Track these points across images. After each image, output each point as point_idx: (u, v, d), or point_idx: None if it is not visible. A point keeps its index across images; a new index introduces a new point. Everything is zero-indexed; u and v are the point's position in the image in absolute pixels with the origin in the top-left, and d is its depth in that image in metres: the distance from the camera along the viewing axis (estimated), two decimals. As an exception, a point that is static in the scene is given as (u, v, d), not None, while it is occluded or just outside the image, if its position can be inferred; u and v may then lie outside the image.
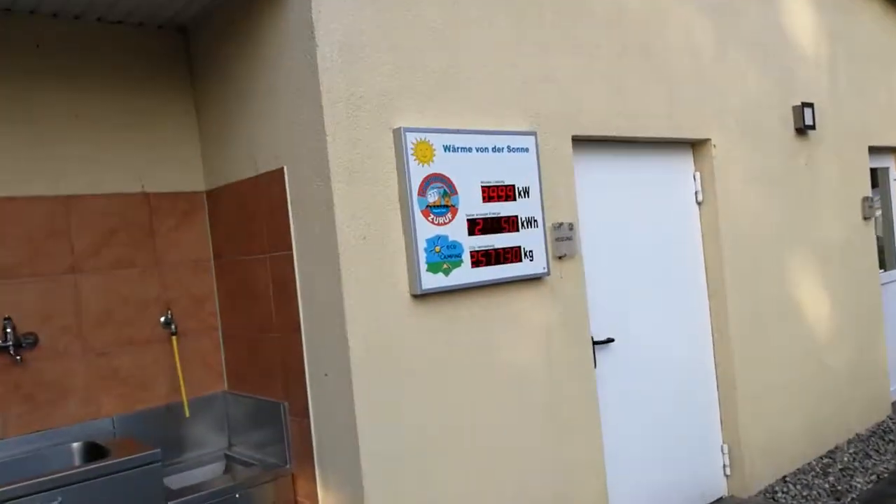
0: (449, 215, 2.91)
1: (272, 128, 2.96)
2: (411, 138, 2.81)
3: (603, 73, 3.63)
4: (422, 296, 2.84)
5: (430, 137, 2.88)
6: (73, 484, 2.49)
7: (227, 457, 3.39)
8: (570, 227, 3.40)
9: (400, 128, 2.79)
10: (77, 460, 2.97)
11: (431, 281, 2.83)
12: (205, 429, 3.42)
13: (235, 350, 3.39)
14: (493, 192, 3.08)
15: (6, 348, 2.89)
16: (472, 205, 2.99)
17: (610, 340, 3.69)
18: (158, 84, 3.41)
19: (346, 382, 2.67)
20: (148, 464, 2.64)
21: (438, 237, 2.87)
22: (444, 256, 2.88)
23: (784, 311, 4.58)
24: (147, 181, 3.35)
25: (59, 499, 2.46)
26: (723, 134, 4.24)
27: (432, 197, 2.86)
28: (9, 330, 2.89)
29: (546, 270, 3.25)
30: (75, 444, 2.98)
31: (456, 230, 2.93)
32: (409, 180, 2.79)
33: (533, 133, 3.25)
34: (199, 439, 3.40)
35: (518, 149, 3.18)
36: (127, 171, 3.30)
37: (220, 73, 3.28)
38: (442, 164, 2.91)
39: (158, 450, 2.70)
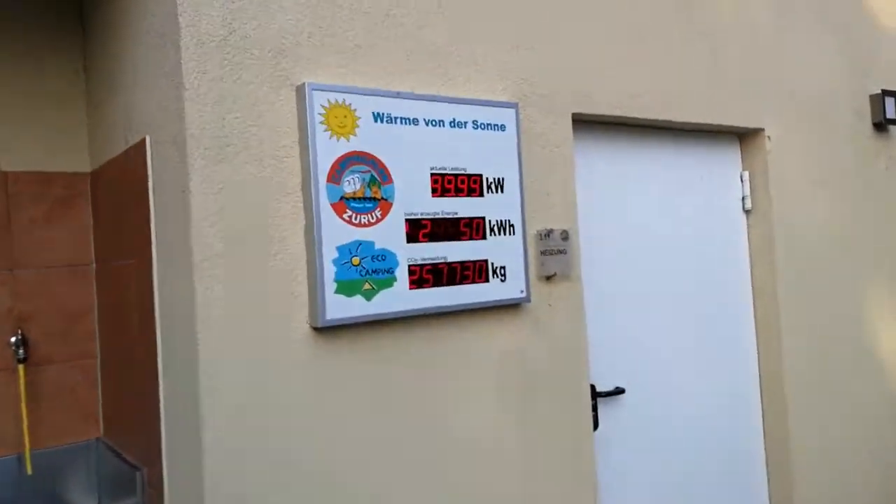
0: (377, 212, 2.03)
1: (142, 85, 2.13)
2: (321, 99, 1.94)
3: (622, 32, 2.71)
4: (327, 329, 1.96)
5: (353, 100, 2.00)
6: None
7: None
8: (565, 236, 2.48)
9: (304, 84, 1.92)
10: None
11: (343, 308, 1.95)
12: (62, 489, 2.58)
13: (112, 385, 2.56)
14: (450, 184, 2.18)
15: None
16: (415, 199, 2.10)
17: (619, 391, 2.75)
18: (45, 26, 2.62)
19: (196, 465, 1.80)
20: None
21: (359, 244, 1.99)
22: (367, 272, 2.00)
23: (857, 353, 3.54)
24: (7, 156, 2.55)
25: None
26: (780, 124, 3.25)
27: (351, 185, 1.98)
28: None
29: (525, 295, 2.34)
30: None
31: (388, 234, 2.04)
32: (315, 159, 1.92)
33: (513, 105, 2.34)
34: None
35: (490, 125, 2.28)
36: (-25, 143, 2.51)
37: (107, 16, 2.47)
38: (370, 138, 2.03)
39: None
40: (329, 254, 1.93)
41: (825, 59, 3.51)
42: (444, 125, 2.17)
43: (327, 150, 1.94)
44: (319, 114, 1.94)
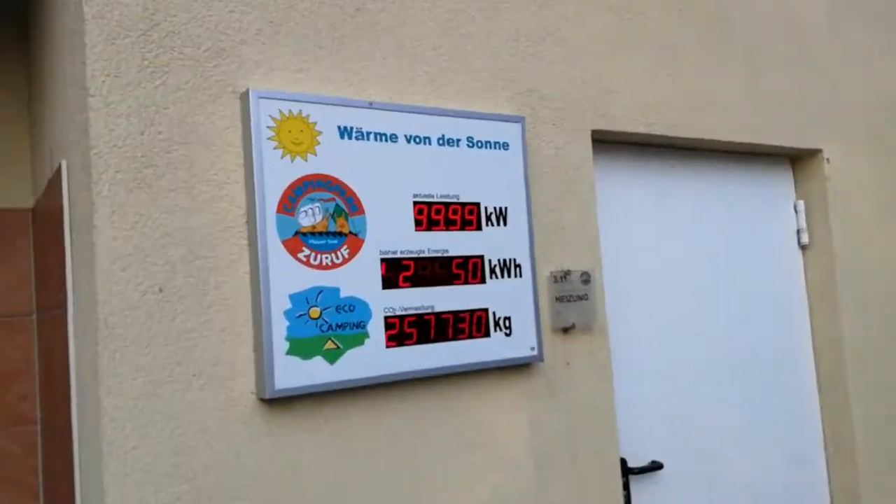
0: (344, 251, 1.61)
1: (59, 96, 1.76)
2: (270, 109, 1.55)
3: (648, 38, 2.29)
4: (278, 402, 1.53)
5: (313, 111, 1.60)
6: None
7: None
8: (587, 278, 2.04)
9: (249, 91, 1.53)
10: None
11: (298, 373, 1.52)
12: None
13: (51, 458, 2.15)
14: (438, 214, 1.76)
15: None
16: (393, 234, 1.68)
17: (656, 466, 2.25)
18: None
19: (99, 571, 1.37)
20: None
21: (319, 291, 1.57)
22: (330, 327, 1.57)
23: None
24: (-69, 192, 2.21)
25: None
26: (840, 144, 2.78)
27: (309, 217, 1.57)
28: None
29: (536, 353, 1.89)
30: None
31: (358, 279, 1.62)
32: (261, 184, 1.52)
33: (519, 120, 1.93)
34: None
35: (489, 143, 1.87)
36: None
37: (41, 16, 2.13)
38: (334, 159, 1.62)
39: None
40: (279, 304, 1.51)
41: (890, 65, 3.04)
42: (430, 143, 1.76)
43: (278, 173, 1.54)
44: (268, 127, 1.54)
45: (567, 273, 2.00)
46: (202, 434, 1.44)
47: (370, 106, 1.68)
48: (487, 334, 1.80)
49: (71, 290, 1.62)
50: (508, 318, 1.84)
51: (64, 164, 1.64)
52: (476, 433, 1.80)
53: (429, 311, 1.71)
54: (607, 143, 2.25)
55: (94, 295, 1.38)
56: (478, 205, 1.82)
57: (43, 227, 2.08)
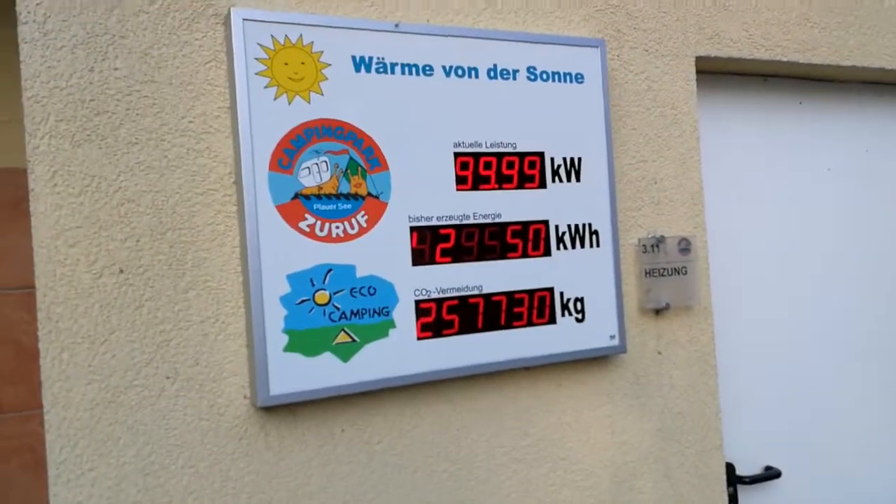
0: (361, 218, 1.25)
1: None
2: (260, 36, 1.19)
3: (773, -68, 1.76)
4: (278, 409, 1.21)
5: (318, 37, 1.23)
6: None
7: None
8: (686, 246, 1.59)
9: (231, 12, 1.17)
10: None
11: (300, 374, 1.19)
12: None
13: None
14: (488, 169, 1.36)
15: None
16: (427, 195, 1.30)
17: (772, 475, 1.81)
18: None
19: None
20: None
21: (328, 269, 1.22)
22: (343, 315, 1.23)
23: None
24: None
25: None
26: None
27: (314, 175, 1.22)
28: None
29: (618, 342, 1.48)
30: None
31: (380, 253, 1.26)
32: (249, 134, 1.17)
33: (598, 44, 1.48)
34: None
35: (557, 75, 1.44)
36: None
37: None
38: (346, 98, 1.25)
39: None
40: (274, 288, 1.18)
41: None
42: (477, 75, 1.36)
43: (272, 119, 1.19)
44: (258, 59, 1.18)
45: (660, 240, 1.57)
46: (179, 451, 1.15)
47: (396, 29, 1.29)
48: (553, 320, 1.40)
49: (37, 270, 1.35)
50: (581, 300, 1.44)
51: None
52: (538, 443, 1.43)
53: (475, 292, 1.33)
54: (715, 74, 1.76)
55: (35, 279, 1.09)
56: (541, 155, 1.41)
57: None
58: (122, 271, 1.13)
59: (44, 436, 2.04)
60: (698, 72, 1.68)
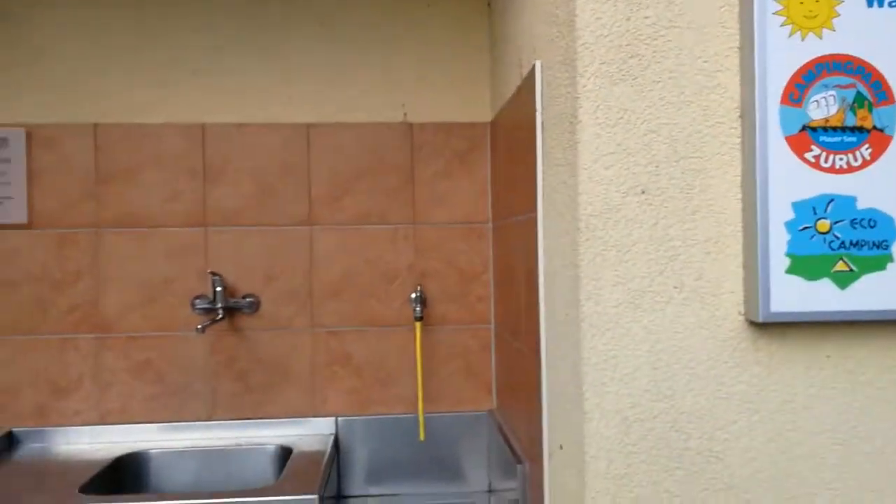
0: (865, 151, 1.28)
1: (532, 3, 1.72)
2: (778, -24, 1.27)
3: None
4: (770, 327, 1.31)
5: (832, -26, 1.27)
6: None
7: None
8: None
9: (753, -45, 1.27)
10: (269, 468, 2.28)
11: (799, 296, 1.27)
12: (454, 457, 2.42)
13: (504, 357, 2.29)
14: None
15: (214, 310, 2.33)
16: (934, 130, 1.28)
17: None
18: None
19: (579, 480, 1.34)
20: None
21: (830, 199, 1.27)
22: (843, 244, 1.27)
23: None
24: (411, 106, 2.45)
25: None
26: None
27: (822, 108, 1.27)
28: (218, 289, 2.32)
29: None
30: (270, 448, 2.30)
31: (881, 186, 1.28)
32: (763, 68, 1.26)
33: None
34: (441, 473, 2.42)
35: None
36: (385, 95, 2.44)
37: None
38: (857, 33, 1.27)
39: (315, 497, 1.80)
40: (779, 213, 1.26)
41: None
42: None
43: (784, 55, 1.27)
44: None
45: None
46: (682, 352, 1.30)
47: (911, -41, 1.28)
48: None
49: (541, 195, 1.61)
50: None
51: (538, 64, 1.60)
52: None
53: (979, 232, 1.28)
54: None
55: (576, 196, 1.31)
56: None
57: (505, 136, 2.14)
58: (643, 192, 1.30)
59: (473, 346, 2.40)
60: None
